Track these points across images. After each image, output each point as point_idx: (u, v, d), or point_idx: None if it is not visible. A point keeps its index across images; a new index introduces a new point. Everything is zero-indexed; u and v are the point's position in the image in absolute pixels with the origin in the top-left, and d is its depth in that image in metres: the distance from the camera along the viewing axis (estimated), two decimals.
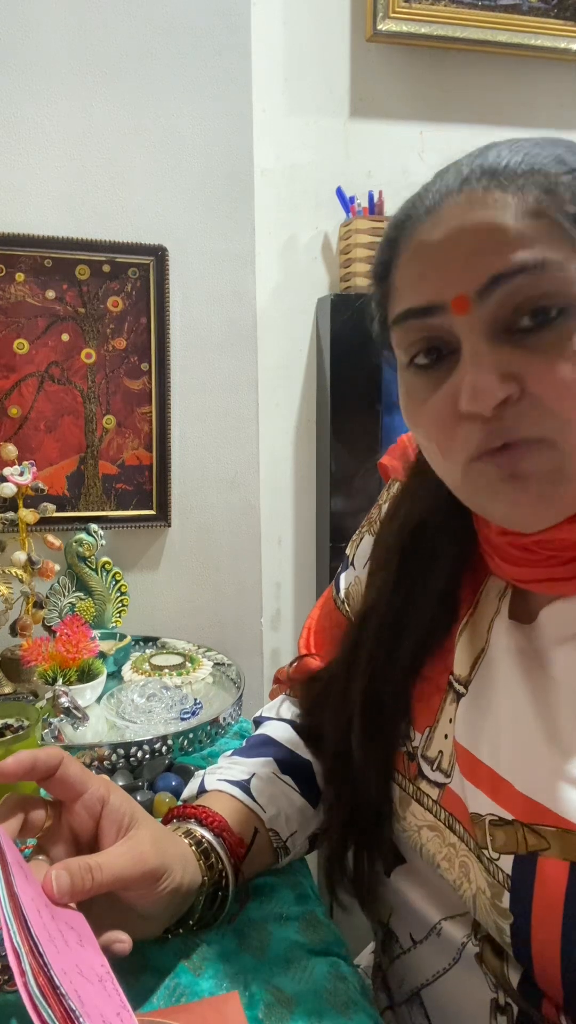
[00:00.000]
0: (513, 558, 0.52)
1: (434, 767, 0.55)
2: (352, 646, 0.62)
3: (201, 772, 0.68)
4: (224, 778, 0.64)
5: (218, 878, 0.56)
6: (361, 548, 0.71)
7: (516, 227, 0.42)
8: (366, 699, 0.59)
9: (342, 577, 0.74)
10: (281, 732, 0.71)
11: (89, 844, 0.51)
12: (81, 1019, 0.36)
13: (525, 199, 0.43)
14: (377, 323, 0.53)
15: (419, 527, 0.60)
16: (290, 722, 0.72)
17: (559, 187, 0.43)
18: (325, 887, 0.63)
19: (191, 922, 0.55)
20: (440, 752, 0.55)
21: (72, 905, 0.46)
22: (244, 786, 0.63)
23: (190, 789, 0.67)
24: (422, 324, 0.46)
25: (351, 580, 0.72)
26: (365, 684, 0.59)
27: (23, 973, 0.37)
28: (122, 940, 0.47)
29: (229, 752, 0.70)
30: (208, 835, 0.57)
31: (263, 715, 0.76)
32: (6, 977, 0.50)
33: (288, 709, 0.74)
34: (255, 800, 0.62)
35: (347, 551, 0.74)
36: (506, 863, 0.47)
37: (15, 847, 0.46)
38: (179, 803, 0.66)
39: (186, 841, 0.56)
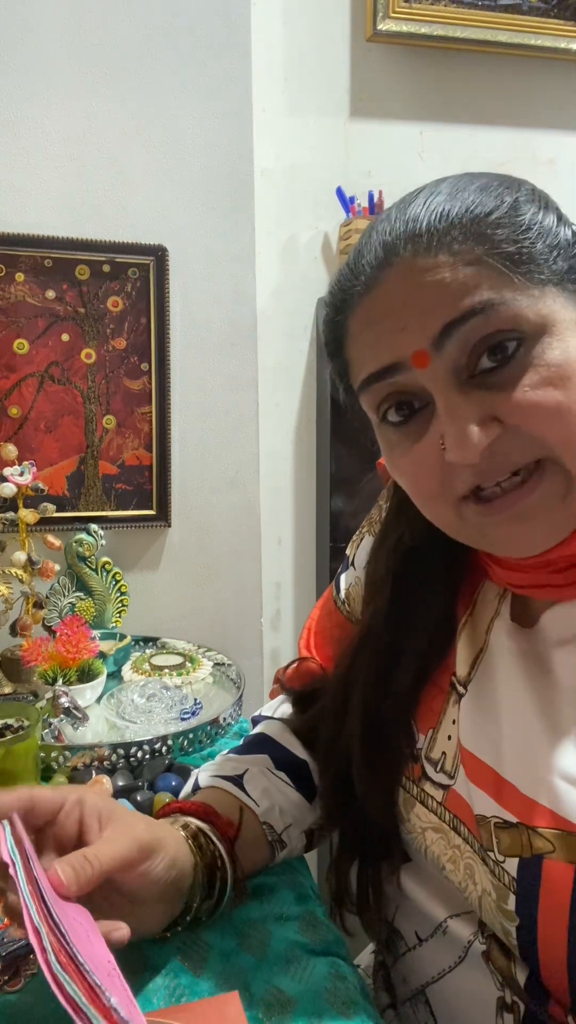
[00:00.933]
0: (510, 565, 0.52)
1: (438, 768, 0.55)
2: (346, 676, 0.63)
3: (196, 770, 0.68)
4: (217, 774, 0.65)
5: (212, 860, 0.56)
6: (362, 549, 0.71)
7: (456, 279, 0.44)
8: (364, 733, 0.59)
9: (342, 577, 0.74)
10: (277, 730, 0.71)
11: (75, 847, 0.51)
12: (107, 992, 0.36)
13: (455, 252, 0.44)
14: (343, 392, 0.54)
15: (410, 550, 0.60)
16: (288, 721, 0.72)
17: (486, 231, 0.44)
18: (331, 910, 0.63)
19: (191, 911, 0.55)
20: (443, 754, 0.55)
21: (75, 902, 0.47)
22: (237, 781, 0.63)
23: (186, 789, 0.67)
24: (387, 384, 0.48)
25: (351, 581, 0.72)
26: (361, 719, 0.60)
27: (44, 950, 0.37)
28: (119, 928, 0.47)
29: (226, 751, 0.71)
30: (194, 821, 0.57)
31: (261, 714, 0.76)
32: (6, 977, 0.50)
33: (286, 708, 0.74)
34: (247, 794, 0.62)
35: (347, 551, 0.74)
36: (511, 866, 0.47)
37: (31, 845, 0.46)
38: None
39: (174, 827, 0.56)
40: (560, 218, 0.47)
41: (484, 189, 0.46)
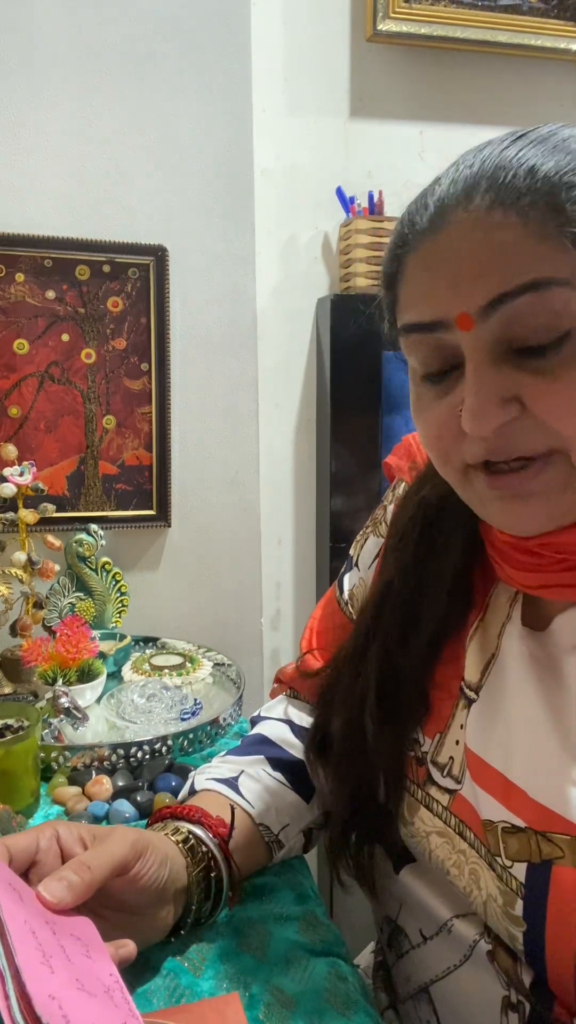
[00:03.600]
0: (520, 564, 0.52)
1: (445, 773, 0.55)
2: (367, 627, 0.61)
3: (193, 772, 0.68)
4: (212, 776, 0.65)
5: (205, 861, 0.56)
6: (365, 549, 0.71)
7: (521, 246, 0.41)
8: (381, 681, 0.58)
9: (346, 578, 0.73)
10: (275, 731, 0.71)
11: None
12: None
13: (530, 216, 0.41)
14: (387, 324, 0.52)
15: (436, 508, 0.59)
16: (287, 721, 0.72)
17: (566, 204, 0.41)
18: (327, 863, 0.62)
19: (191, 913, 0.55)
20: (451, 758, 0.55)
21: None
22: (232, 783, 0.63)
23: (183, 792, 0.67)
24: (428, 338, 0.46)
25: (355, 581, 0.72)
26: (381, 666, 0.58)
27: (6, 996, 0.37)
28: (124, 945, 0.47)
29: (223, 752, 0.70)
30: (185, 824, 0.57)
31: (260, 714, 0.76)
32: None
33: (285, 709, 0.74)
34: (242, 796, 0.62)
35: (351, 551, 0.74)
36: (519, 871, 0.47)
37: (6, 868, 0.46)
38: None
39: (162, 833, 0.56)
40: None
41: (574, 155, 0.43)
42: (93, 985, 0.41)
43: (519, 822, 0.47)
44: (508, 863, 0.47)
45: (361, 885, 0.62)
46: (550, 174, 0.41)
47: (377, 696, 0.58)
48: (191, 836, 0.56)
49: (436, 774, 0.56)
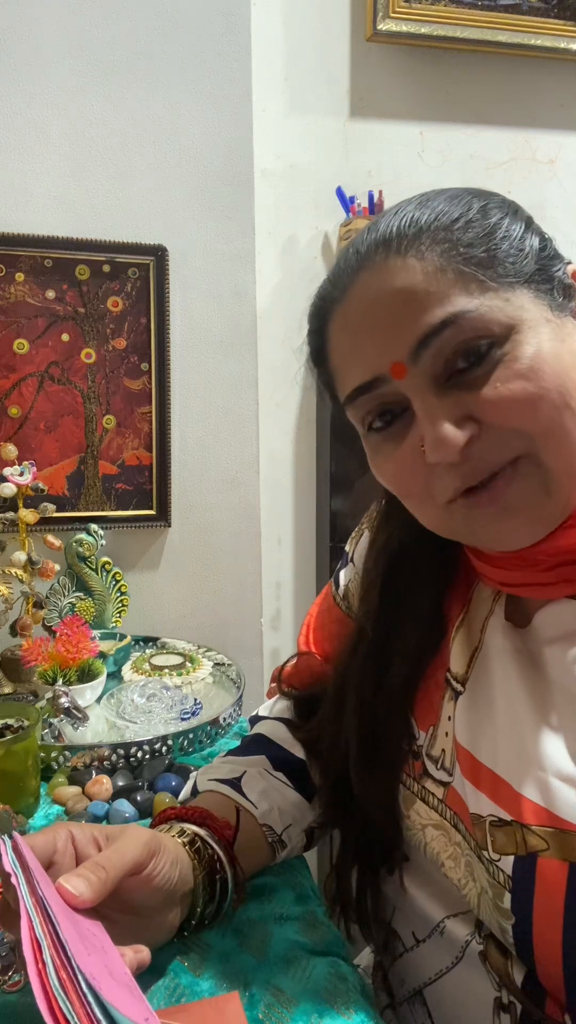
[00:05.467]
0: (499, 562, 0.53)
1: (438, 766, 0.55)
2: (341, 679, 0.63)
3: (195, 773, 0.68)
4: (215, 777, 0.65)
5: (211, 863, 0.56)
6: (361, 545, 0.71)
7: (425, 286, 0.45)
8: (361, 735, 0.60)
9: (341, 574, 0.74)
10: (275, 730, 0.71)
11: None
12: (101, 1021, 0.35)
13: (424, 258, 0.45)
14: (330, 400, 0.55)
15: (398, 553, 0.61)
16: (285, 721, 0.72)
17: (452, 238, 0.46)
18: (332, 917, 0.63)
19: (196, 916, 0.55)
20: (443, 751, 0.56)
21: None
22: (235, 784, 0.63)
23: (185, 792, 0.67)
24: (370, 397, 0.49)
25: (350, 576, 0.72)
26: (358, 721, 0.60)
27: (43, 964, 0.36)
28: (139, 950, 0.48)
29: (224, 753, 0.71)
30: (191, 826, 0.57)
31: (259, 714, 0.76)
32: (5, 977, 0.50)
33: (283, 708, 0.74)
34: (246, 796, 0.62)
35: (346, 548, 0.74)
36: (506, 864, 0.47)
37: (35, 857, 0.46)
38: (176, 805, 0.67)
39: (169, 834, 0.56)
40: (528, 226, 0.48)
41: (453, 198, 0.48)
42: (119, 975, 0.41)
43: (505, 815, 0.48)
44: (495, 856, 0.48)
45: (363, 929, 0.63)
46: (431, 219, 0.47)
47: (360, 752, 0.60)
48: (197, 838, 0.57)
49: (431, 767, 0.56)
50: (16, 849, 0.45)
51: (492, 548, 0.51)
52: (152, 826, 0.60)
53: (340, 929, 0.63)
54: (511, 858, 0.47)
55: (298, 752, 0.68)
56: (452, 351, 0.45)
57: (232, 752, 0.70)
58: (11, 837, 0.46)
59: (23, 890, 0.41)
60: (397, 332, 0.46)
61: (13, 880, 0.42)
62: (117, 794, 0.79)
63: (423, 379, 0.46)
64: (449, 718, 0.55)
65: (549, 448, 0.45)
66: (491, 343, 0.45)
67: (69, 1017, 0.35)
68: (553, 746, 0.47)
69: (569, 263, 0.50)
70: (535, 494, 0.46)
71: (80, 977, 0.37)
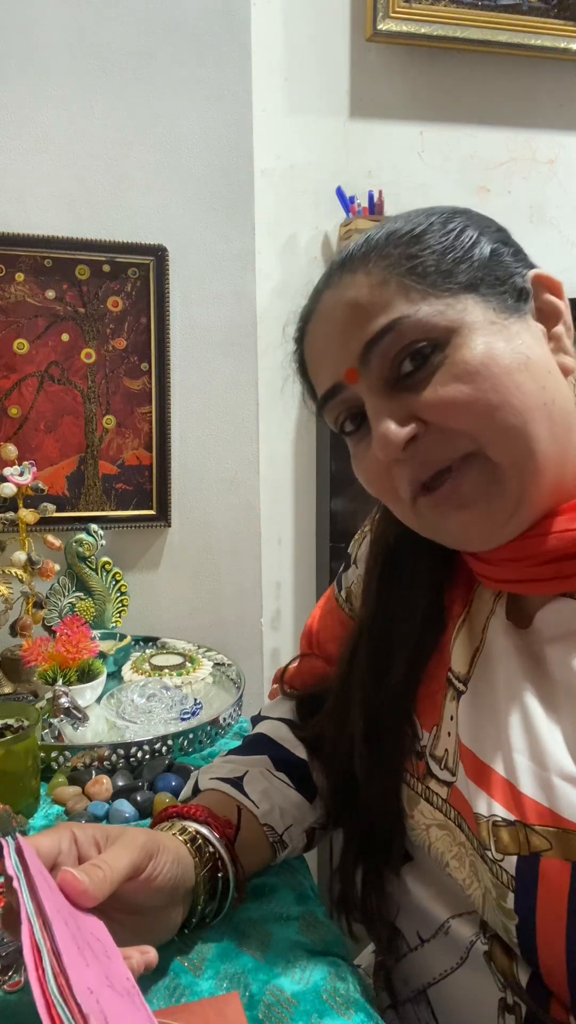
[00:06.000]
0: (495, 560, 0.53)
1: (442, 766, 0.56)
2: (344, 678, 0.64)
3: (196, 772, 0.68)
4: (216, 776, 0.65)
5: (212, 861, 0.56)
6: (363, 547, 0.71)
7: (369, 298, 0.50)
8: (365, 732, 0.61)
9: (344, 576, 0.74)
10: (276, 730, 0.71)
11: None
12: None
13: (371, 272, 0.50)
14: (314, 409, 0.60)
15: (395, 548, 0.63)
16: (287, 721, 0.72)
17: (395, 252, 0.50)
18: (336, 916, 0.63)
19: (197, 914, 0.55)
20: (446, 751, 0.56)
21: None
22: (236, 783, 0.63)
23: (186, 791, 0.67)
24: (336, 403, 0.55)
25: (353, 579, 0.72)
26: (362, 717, 0.61)
27: (42, 970, 0.36)
28: (146, 951, 0.48)
29: (225, 752, 0.71)
30: (192, 824, 0.57)
31: (261, 714, 0.76)
32: (5, 977, 0.50)
33: (285, 708, 0.74)
34: (247, 796, 0.62)
35: (349, 550, 0.75)
36: (509, 864, 0.47)
37: (38, 859, 0.46)
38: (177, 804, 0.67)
39: (171, 832, 0.56)
40: (485, 237, 0.52)
41: (413, 216, 0.52)
42: (119, 984, 0.41)
43: (508, 815, 0.48)
44: (498, 856, 0.48)
45: (369, 929, 0.63)
46: (381, 237, 0.52)
47: (365, 745, 0.60)
48: (198, 836, 0.57)
49: (434, 767, 0.56)
50: (19, 851, 0.45)
51: (460, 547, 0.53)
52: (153, 824, 0.60)
53: (343, 927, 0.63)
54: (514, 858, 0.47)
55: (300, 752, 0.68)
56: (395, 354, 0.49)
57: (234, 752, 0.70)
58: (14, 839, 0.46)
59: (25, 894, 0.41)
60: (347, 341, 0.51)
61: (15, 884, 0.41)
62: (117, 794, 0.79)
63: (373, 382, 0.51)
64: (452, 718, 0.56)
65: (492, 445, 0.48)
66: (433, 346, 0.49)
67: (67, 1022, 0.35)
68: (556, 745, 0.47)
69: (534, 268, 0.53)
70: (486, 486, 0.49)
71: (74, 988, 0.36)
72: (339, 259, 0.54)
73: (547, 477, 0.49)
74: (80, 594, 1.23)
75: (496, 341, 0.48)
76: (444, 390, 0.48)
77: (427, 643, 0.60)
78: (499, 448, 0.48)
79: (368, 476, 0.55)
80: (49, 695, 0.93)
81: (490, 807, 0.49)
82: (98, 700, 1.02)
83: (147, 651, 1.21)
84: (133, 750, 0.86)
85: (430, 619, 0.60)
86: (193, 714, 0.98)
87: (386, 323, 0.49)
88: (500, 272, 0.51)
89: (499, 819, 0.48)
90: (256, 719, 0.76)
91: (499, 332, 0.49)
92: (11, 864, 0.43)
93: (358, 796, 0.61)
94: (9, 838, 0.46)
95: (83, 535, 1.20)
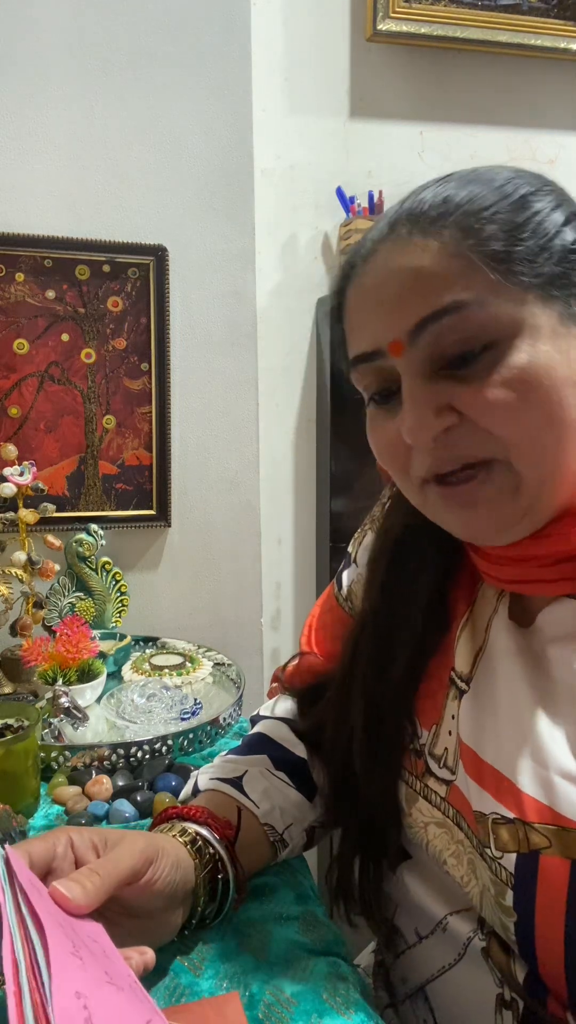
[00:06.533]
0: (497, 559, 0.53)
1: (441, 764, 0.56)
2: (346, 667, 0.64)
3: (196, 772, 0.68)
4: (216, 776, 0.65)
5: (212, 862, 0.56)
6: (363, 545, 0.72)
7: (436, 269, 0.45)
8: (366, 721, 0.60)
9: (344, 574, 0.74)
10: (276, 730, 0.71)
11: None
12: None
13: (443, 240, 0.45)
14: (342, 360, 0.57)
15: (402, 537, 0.62)
16: (286, 720, 0.72)
17: (475, 226, 0.45)
18: (334, 906, 0.63)
19: (197, 915, 0.55)
20: (446, 749, 0.56)
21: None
22: (236, 783, 0.63)
23: (186, 791, 0.67)
24: (369, 367, 0.51)
25: (353, 577, 0.72)
26: (363, 706, 0.61)
27: (19, 985, 0.36)
28: (144, 952, 0.47)
29: (225, 752, 0.71)
30: (192, 825, 0.57)
31: (260, 714, 0.76)
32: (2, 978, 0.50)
33: (285, 707, 0.74)
34: (247, 796, 0.62)
35: (349, 548, 0.75)
36: (509, 861, 0.47)
37: (28, 869, 0.46)
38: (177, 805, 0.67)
39: (170, 835, 0.56)
40: (569, 221, 0.47)
41: (493, 181, 0.47)
42: (119, 979, 0.41)
43: (508, 813, 0.48)
44: (498, 854, 0.48)
45: (368, 921, 0.63)
46: (462, 202, 0.46)
47: (364, 735, 0.60)
48: (198, 837, 0.57)
49: (433, 765, 0.56)
50: (6, 861, 0.44)
51: (463, 538, 0.52)
52: (153, 825, 0.60)
53: (341, 919, 0.63)
54: (513, 856, 0.47)
55: (299, 751, 0.68)
56: (449, 341, 0.46)
57: (233, 751, 0.70)
58: (2, 847, 0.46)
59: (8, 907, 0.40)
60: (400, 310, 0.47)
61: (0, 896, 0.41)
62: (117, 794, 0.79)
63: (417, 362, 0.47)
64: (453, 717, 0.56)
65: (522, 458, 0.46)
66: (489, 342, 0.45)
67: None
68: (557, 744, 0.47)
69: None
70: (503, 494, 0.48)
71: (50, 1007, 0.36)
72: (408, 210, 0.48)
73: (565, 489, 0.48)
74: (80, 594, 1.23)
75: (554, 352, 0.46)
76: (492, 392, 0.45)
77: (430, 638, 0.59)
78: (528, 462, 0.46)
79: (382, 449, 0.53)
80: (49, 695, 0.93)
81: (490, 805, 0.49)
82: (98, 700, 1.02)
83: (147, 651, 1.21)
84: (133, 750, 0.86)
85: (433, 614, 0.60)
86: (193, 714, 0.98)
87: (450, 302, 0.45)
88: (572, 269, 0.46)
89: (499, 817, 0.48)
90: (255, 719, 0.76)
91: (559, 342, 0.46)
92: None
93: (357, 791, 0.61)
94: None
95: (83, 535, 1.20)
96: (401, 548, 0.62)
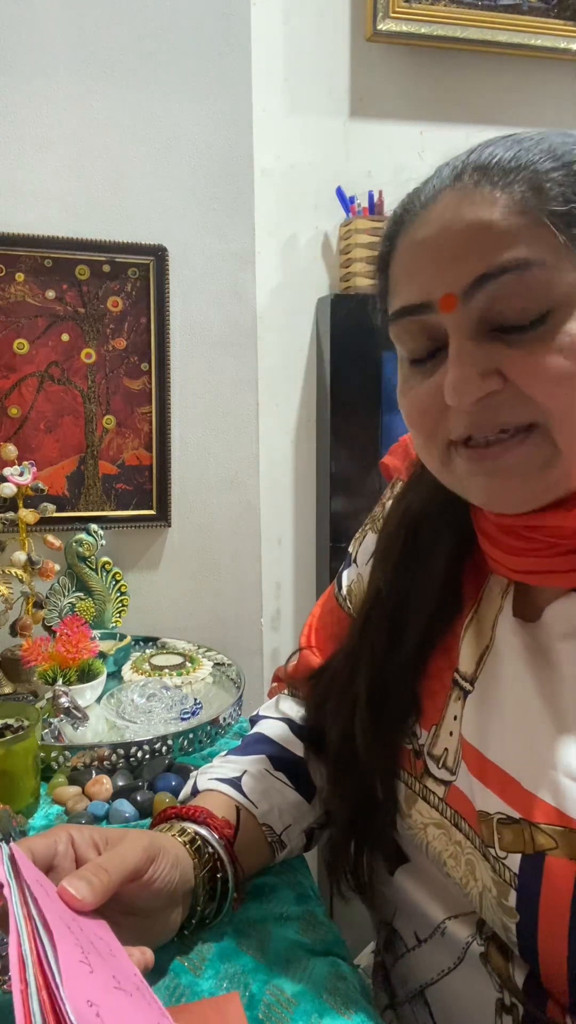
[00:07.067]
0: (510, 548, 0.52)
1: (440, 764, 0.55)
2: (356, 638, 0.63)
3: (195, 772, 0.68)
4: (215, 776, 0.65)
5: (211, 862, 0.56)
6: (364, 545, 0.71)
7: (502, 225, 0.43)
8: (371, 691, 0.59)
9: (344, 574, 0.74)
10: (275, 730, 0.71)
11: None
12: None
13: (512, 196, 0.43)
14: (380, 314, 0.54)
15: (420, 516, 0.61)
16: (286, 720, 0.72)
17: (546, 184, 0.43)
18: (327, 878, 0.63)
19: (196, 914, 0.55)
20: (446, 750, 0.55)
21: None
22: (235, 783, 0.63)
23: (185, 791, 0.67)
24: (414, 321, 0.48)
25: (353, 577, 0.72)
26: (370, 676, 0.59)
27: (26, 983, 0.36)
28: (143, 951, 0.47)
29: (224, 752, 0.71)
30: (191, 825, 0.57)
31: (260, 713, 0.76)
32: (6, 977, 0.50)
33: (285, 707, 0.74)
34: (246, 796, 0.62)
35: (349, 548, 0.74)
36: (513, 862, 0.47)
37: (33, 866, 0.46)
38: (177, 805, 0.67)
39: (169, 834, 0.56)
40: None
41: (566, 144, 0.45)
42: (128, 982, 0.41)
43: (514, 813, 0.47)
44: (502, 854, 0.47)
45: (360, 896, 0.63)
46: (534, 159, 0.44)
47: (368, 706, 0.59)
48: (197, 837, 0.57)
49: (432, 766, 0.56)
50: (12, 858, 0.44)
51: (481, 504, 0.50)
52: (152, 825, 0.60)
53: (334, 890, 0.62)
54: (518, 856, 0.47)
55: (299, 752, 0.68)
56: (506, 302, 0.44)
57: (232, 752, 0.70)
58: (7, 844, 0.46)
59: (15, 904, 0.40)
60: (459, 264, 0.44)
61: (5, 891, 0.41)
62: (117, 794, 0.79)
63: (468, 320, 0.45)
64: (455, 717, 0.55)
65: (563, 428, 0.45)
66: (548, 306, 0.43)
67: None
68: (564, 744, 0.47)
69: None
70: (533, 465, 0.46)
71: (64, 1003, 0.35)
72: (477, 161, 0.45)
73: None
74: (80, 594, 1.23)
75: None
76: (545, 359, 0.43)
77: (442, 618, 0.58)
78: (567, 432, 0.45)
79: (415, 408, 0.50)
80: (49, 695, 0.93)
81: (495, 805, 0.49)
82: (98, 700, 1.02)
83: (147, 651, 1.21)
84: (133, 750, 0.86)
85: (445, 597, 0.59)
86: (193, 714, 0.98)
87: (513, 259, 0.43)
88: None
89: (504, 817, 0.48)
90: (255, 719, 0.76)
91: None
92: (2, 871, 0.43)
93: (355, 780, 0.60)
94: (3, 844, 0.46)
95: (83, 535, 1.20)
96: (419, 525, 0.61)
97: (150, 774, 0.84)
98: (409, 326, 0.49)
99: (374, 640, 0.60)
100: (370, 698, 0.59)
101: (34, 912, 0.41)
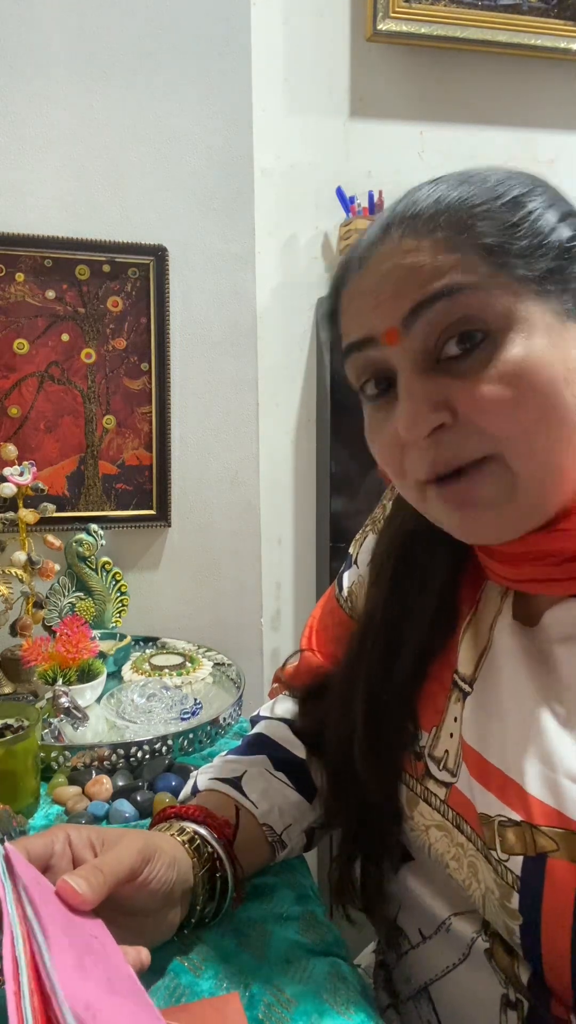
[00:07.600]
0: (506, 558, 0.52)
1: (440, 766, 0.55)
2: (351, 663, 0.63)
3: (195, 772, 0.68)
4: (215, 776, 0.65)
5: (211, 861, 0.56)
6: (364, 546, 0.71)
7: (431, 263, 0.45)
8: (367, 718, 0.60)
9: (345, 575, 0.74)
10: (276, 730, 0.71)
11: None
12: None
13: (437, 240, 0.46)
14: (339, 360, 0.56)
15: (410, 536, 0.61)
16: (286, 720, 0.72)
17: (471, 221, 0.45)
18: (334, 904, 0.63)
19: (196, 914, 0.55)
20: (446, 751, 0.55)
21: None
22: (235, 783, 0.63)
23: (185, 791, 0.67)
24: (363, 356, 0.50)
25: (354, 578, 0.72)
26: (365, 703, 0.60)
27: (19, 985, 0.36)
28: (139, 951, 0.47)
29: (224, 752, 0.71)
30: (191, 824, 0.57)
31: (260, 714, 0.76)
32: (3, 978, 0.50)
33: (285, 707, 0.74)
34: (246, 796, 0.62)
35: (350, 550, 0.74)
36: (515, 864, 0.47)
37: (30, 866, 0.46)
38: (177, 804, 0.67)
39: (168, 834, 0.56)
40: (564, 219, 0.47)
41: (487, 181, 0.47)
42: (122, 984, 0.40)
43: (515, 816, 0.47)
44: (504, 856, 0.47)
45: (370, 917, 0.63)
46: (453, 202, 0.46)
47: (365, 734, 0.59)
48: (196, 836, 0.57)
49: (433, 768, 0.56)
50: (7, 860, 0.44)
51: (464, 539, 0.51)
52: (152, 825, 0.60)
53: (341, 917, 0.62)
54: (520, 858, 0.46)
55: (299, 752, 0.68)
56: (445, 327, 0.46)
57: (233, 752, 0.70)
58: (2, 844, 0.46)
59: (10, 906, 0.40)
60: (397, 299, 0.47)
61: (0, 892, 0.41)
62: (117, 794, 0.79)
63: (413, 352, 0.47)
64: (456, 719, 0.55)
65: (516, 454, 0.46)
66: (485, 333, 0.45)
67: None
68: (564, 746, 0.47)
69: None
70: (500, 495, 0.47)
71: (62, 1006, 0.35)
72: (401, 212, 0.48)
73: (567, 486, 0.48)
74: (80, 594, 1.23)
75: (549, 348, 0.45)
76: (488, 388, 0.45)
77: (436, 639, 0.59)
78: (523, 461, 0.46)
79: (383, 450, 0.52)
80: (49, 695, 0.93)
81: (496, 807, 0.49)
82: (98, 700, 1.02)
83: (147, 651, 1.21)
84: (133, 750, 0.86)
85: (442, 614, 0.59)
86: (193, 714, 0.98)
87: (443, 286, 0.45)
88: (566, 265, 0.46)
89: (505, 819, 0.48)
90: (255, 719, 0.76)
91: (554, 337, 0.46)
92: None
93: (356, 791, 0.61)
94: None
95: (83, 535, 1.20)
96: (412, 545, 0.61)
97: (150, 774, 0.84)
98: (358, 362, 0.51)
99: (369, 667, 0.61)
100: (367, 725, 0.60)
101: (30, 913, 0.41)
